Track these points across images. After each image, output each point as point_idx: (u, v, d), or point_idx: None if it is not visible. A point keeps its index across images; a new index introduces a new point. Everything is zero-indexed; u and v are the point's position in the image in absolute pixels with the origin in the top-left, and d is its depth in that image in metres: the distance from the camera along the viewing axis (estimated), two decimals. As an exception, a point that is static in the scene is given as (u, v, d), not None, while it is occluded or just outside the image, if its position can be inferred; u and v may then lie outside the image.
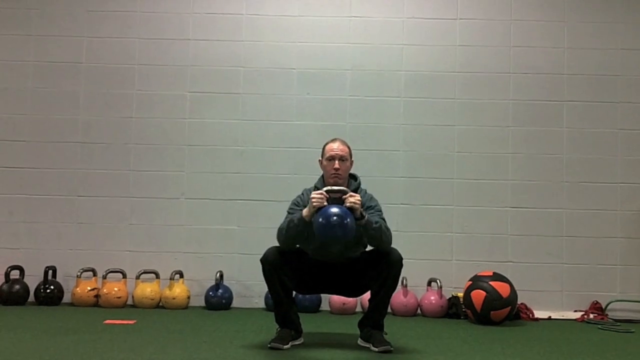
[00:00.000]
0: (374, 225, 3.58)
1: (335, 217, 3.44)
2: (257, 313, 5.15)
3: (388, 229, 3.68)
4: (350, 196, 3.57)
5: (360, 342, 3.84)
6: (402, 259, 3.67)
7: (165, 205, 5.57)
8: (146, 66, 5.66)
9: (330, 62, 5.65)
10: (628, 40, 5.63)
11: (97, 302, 5.32)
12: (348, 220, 3.46)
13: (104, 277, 5.34)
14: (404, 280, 5.22)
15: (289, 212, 3.78)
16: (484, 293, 4.78)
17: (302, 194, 3.85)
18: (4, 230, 5.53)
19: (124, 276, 5.39)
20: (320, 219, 3.46)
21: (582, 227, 5.50)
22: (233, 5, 5.70)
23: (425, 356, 3.58)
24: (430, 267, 5.44)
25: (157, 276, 5.40)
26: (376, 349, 3.62)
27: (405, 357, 3.54)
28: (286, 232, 3.64)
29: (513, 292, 4.85)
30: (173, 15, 5.69)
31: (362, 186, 3.87)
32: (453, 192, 5.55)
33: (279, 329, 3.77)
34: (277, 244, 3.73)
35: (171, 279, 5.32)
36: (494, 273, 4.96)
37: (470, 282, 4.95)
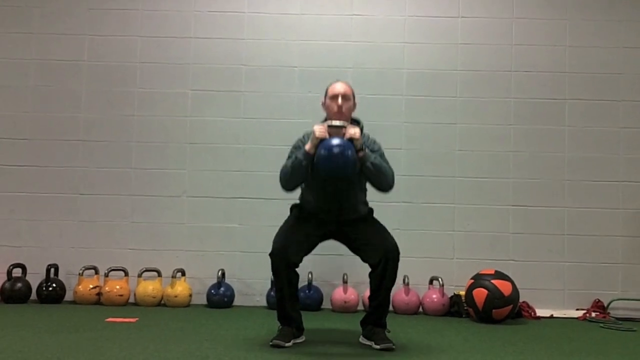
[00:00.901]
0: (372, 160, 3.68)
1: (336, 148, 3.54)
2: (258, 311, 5.15)
3: (391, 169, 3.79)
4: (350, 128, 3.66)
5: (362, 340, 3.84)
6: (399, 252, 3.68)
7: (166, 203, 5.57)
8: (148, 64, 5.66)
9: (332, 61, 5.64)
10: (630, 39, 5.63)
11: (98, 300, 5.32)
12: (349, 152, 3.55)
13: (106, 275, 5.34)
14: (406, 279, 5.23)
15: (289, 156, 3.84)
16: (485, 291, 4.78)
17: (303, 136, 3.91)
18: (6, 228, 5.54)
19: (126, 274, 5.39)
20: (322, 151, 3.57)
21: (584, 225, 5.50)
22: (235, 3, 5.70)
23: (427, 354, 3.58)
24: (432, 266, 5.44)
25: (159, 274, 5.41)
26: (378, 347, 3.62)
27: (407, 355, 3.54)
28: (291, 169, 3.71)
29: (515, 290, 4.85)
30: (174, 13, 5.69)
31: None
32: (455, 190, 5.55)
33: (280, 327, 3.77)
34: (274, 239, 3.74)
35: (173, 277, 5.32)
36: (495, 271, 4.96)
37: (472, 281, 4.95)
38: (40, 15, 5.68)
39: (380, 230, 3.82)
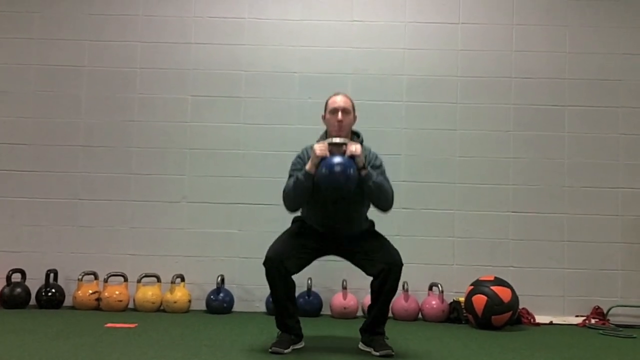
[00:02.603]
0: (374, 179, 3.64)
1: (337, 166, 3.50)
2: (258, 317, 5.14)
3: (391, 188, 3.75)
4: (351, 145, 3.61)
5: (361, 346, 3.84)
6: (402, 264, 3.66)
7: (166, 208, 5.57)
8: (148, 69, 5.66)
9: (332, 66, 5.65)
10: (630, 45, 5.63)
11: (98, 306, 5.32)
12: (351, 170, 3.52)
13: (105, 281, 5.34)
14: (405, 285, 5.22)
15: (290, 175, 3.78)
16: (485, 298, 4.78)
17: (302, 152, 3.85)
18: (5, 233, 5.53)
19: (125, 280, 5.39)
20: (324, 169, 3.53)
21: (584, 232, 5.50)
22: (235, 9, 5.71)
23: (426, 361, 3.58)
24: (432, 272, 5.44)
25: (158, 280, 5.40)
26: (377, 354, 3.62)
27: (406, 362, 3.54)
28: (293, 190, 3.66)
29: (514, 296, 4.84)
30: (175, 18, 5.70)
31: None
32: (454, 196, 5.55)
33: (279, 333, 3.77)
34: (269, 247, 3.72)
35: (172, 282, 5.32)
36: (495, 278, 4.96)
37: (472, 287, 4.95)
38: (40, 20, 5.69)
39: (383, 243, 3.79)
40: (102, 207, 5.56)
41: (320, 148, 3.60)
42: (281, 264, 3.61)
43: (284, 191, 3.74)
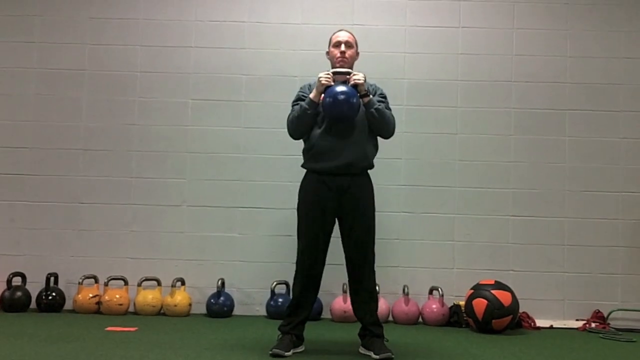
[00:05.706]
0: (377, 106, 3.82)
1: (341, 95, 3.69)
2: (258, 321, 5.14)
3: (393, 117, 3.93)
4: (355, 74, 3.82)
5: (361, 350, 3.84)
6: (373, 262, 3.84)
7: (166, 212, 5.57)
8: (148, 73, 5.67)
9: (333, 70, 5.64)
10: (631, 49, 5.63)
11: (98, 309, 5.31)
12: (354, 99, 3.72)
13: (106, 284, 5.34)
14: (406, 289, 5.22)
15: (294, 104, 3.95)
16: (485, 301, 4.77)
17: (304, 86, 4.02)
18: (6, 236, 5.53)
19: (126, 283, 5.39)
20: (328, 98, 3.72)
21: (584, 235, 5.49)
22: (236, 12, 5.71)
23: (427, 365, 3.58)
24: (432, 276, 5.43)
25: (159, 283, 5.40)
26: (377, 357, 3.63)
27: (406, 366, 3.54)
28: (297, 118, 3.83)
29: (515, 300, 4.84)
30: (175, 22, 5.71)
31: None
32: (455, 200, 5.55)
33: (280, 336, 3.77)
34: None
35: (173, 286, 5.31)
36: (495, 281, 4.96)
37: (472, 291, 4.94)
38: (41, 24, 5.69)
39: (366, 241, 3.84)
40: (102, 210, 5.56)
41: (325, 77, 3.79)
42: (314, 275, 3.83)
43: (287, 120, 3.91)
